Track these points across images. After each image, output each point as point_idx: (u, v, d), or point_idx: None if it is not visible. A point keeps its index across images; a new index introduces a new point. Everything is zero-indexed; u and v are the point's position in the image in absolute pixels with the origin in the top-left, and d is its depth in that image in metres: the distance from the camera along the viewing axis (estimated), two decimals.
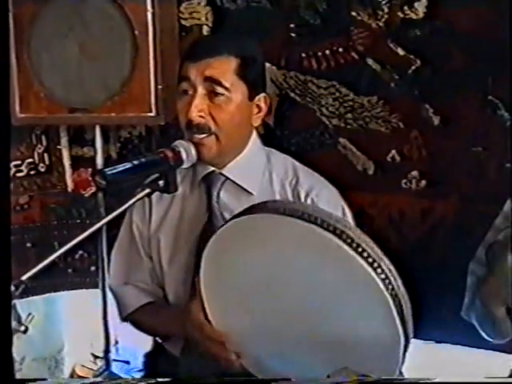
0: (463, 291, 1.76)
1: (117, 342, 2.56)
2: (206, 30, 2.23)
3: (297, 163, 1.81)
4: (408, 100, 2.05)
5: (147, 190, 1.50)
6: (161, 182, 1.51)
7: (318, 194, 1.73)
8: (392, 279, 1.37)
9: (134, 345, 2.04)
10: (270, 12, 2.17)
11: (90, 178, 2.44)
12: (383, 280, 1.36)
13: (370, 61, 2.08)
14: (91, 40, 2.17)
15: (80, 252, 2.53)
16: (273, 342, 1.50)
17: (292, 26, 2.15)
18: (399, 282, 1.39)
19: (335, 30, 2.11)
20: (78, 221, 2.55)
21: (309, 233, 1.39)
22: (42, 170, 2.52)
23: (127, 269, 1.84)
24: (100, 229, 1.50)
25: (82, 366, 2.79)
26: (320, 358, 1.45)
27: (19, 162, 2.47)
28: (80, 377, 2.76)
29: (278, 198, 1.74)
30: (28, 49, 2.21)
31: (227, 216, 1.68)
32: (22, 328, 1.27)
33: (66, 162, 2.50)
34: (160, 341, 1.85)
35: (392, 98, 2.07)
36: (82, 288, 2.58)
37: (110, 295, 2.26)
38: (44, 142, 2.50)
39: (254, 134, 1.78)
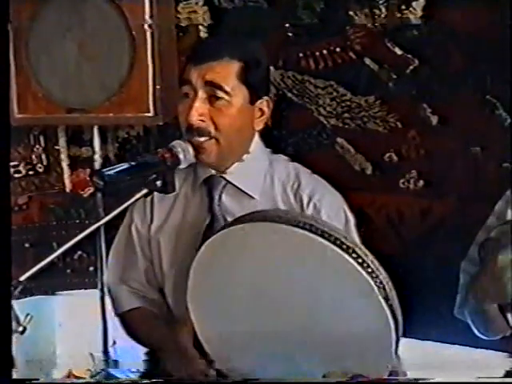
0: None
1: (115, 343, 2.56)
2: (203, 30, 2.23)
3: (299, 167, 1.79)
4: (406, 100, 2.06)
5: (145, 190, 1.50)
6: (158, 183, 1.51)
7: (320, 198, 1.72)
8: (374, 268, 1.40)
9: (132, 345, 2.04)
10: (267, 12, 2.17)
11: (88, 179, 2.43)
12: (370, 273, 1.39)
13: (367, 60, 2.08)
14: (89, 40, 2.17)
15: (79, 252, 2.53)
16: (266, 347, 1.51)
17: (289, 25, 2.15)
18: (384, 274, 1.41)
19: (333, 30, 2.11)
20: (77, 221, 2.55)
21: (298, 238, 1.41)
22: (40, 170, 2.52)
23: (123, 268, 1.84)
24: (99, 229, 1.50)
25: (80, 366, 2.78)
26: (313, 360, 1.46)
27: (17, 163, 2.46)
28: (77, 377, 2.75)
29: (279, 202, 1.73)
30: (26, 49, 2.21)
31: (229, 219, 1.68)
32: (20, 329, 1.27)
33: (64, 163, 2.50)
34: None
35: (390, 98, 2.08)
36: (80, 288, 2.58)
37: (108, 296, 2.27)
38: (42, 143, 2.50)
39: (257, 137, 1.77)
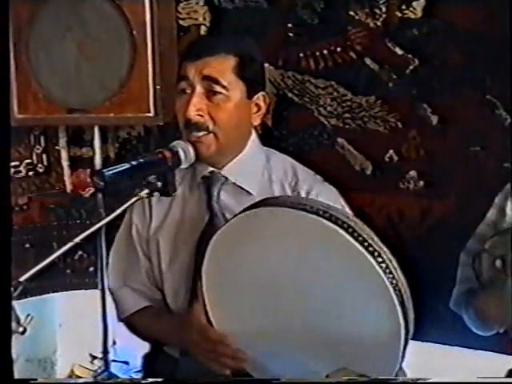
0: None
1: (115, 343, 2.56)
2: (203, 30, 2.23)
3: (296, 163, 1.81)
4: (406, 100, 2.05)
5: (146, 191, 1.50)
6: (159, 183, 1.51)
7: (317, 194, 1.73)
8: (392, 269, 1.38)
9: (133, 345, 2.04)
10: (267, 11, 2.17)
11: (89, 179, 2.43)
12: (384, 269, 1.37)
13: (367, 60, 2.08)
14: (89, 40, 2.17)
15: (79, 253, 2.53)
16: (276, 341, 1.50)
17: (290, 25, 2.15)
18: (399, 271, 1.39)
19: (333, 30, 2.11)
20: (78, 221, 2.54)
21: (312, 224, 1.40)
22: (41, 170, 2.52)
23: (125, 270, 1.84)
24: (99, 229, 1.50)
25: (81, 366, 2.79)
26: (321, 356, 1.45)
27: (17, 163, 2.47)
28: (78, 377, 2.76)
29: None
30: (26, 49, 2.21)
31: (228, 216, 1.68)
32: (21, 329, 1.27)
33: (65, 163, 2.50)
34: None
35: (390, 98, 2.07)
36: (80, 289, 2.58)
37: (108, 296, 2.26)
38: (42, 143, 2.50)
39: (254, 134, 1.78)
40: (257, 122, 1.75)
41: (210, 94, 1.66)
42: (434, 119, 2.03)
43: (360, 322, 1.41)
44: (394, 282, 1.37)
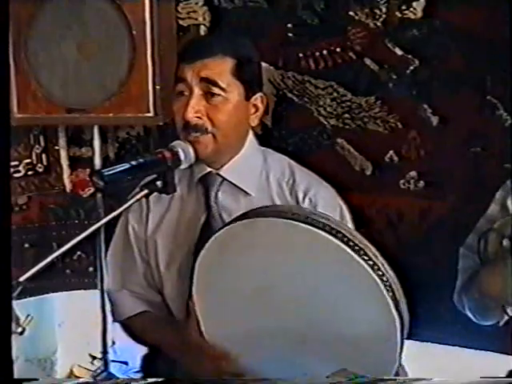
0: None
1: (114, 343, 2.55)
2: (203, 30, 2.23)
3: (293, 163, 1.81)
4: (406, 100, 2.05)
5: (145, 191, 1.50)
6: (159, 183, 1.51)
7: (315, 193, 1.73)
8: (383, 270, 1.39)
9: (132, 346, 2.04)
10: (267, 12, 2.17)
11: (88, 179, 2.43)
12: (376, 270, 1.38)
13: (367, 61, 2.07)
14: (89, 40, 2.16)
15: (78, 253, 2.53)
16: (270, 346, 1.50)
17: (289, 25, 2.15)
18: (390, 272, 1.40)
19: (333, 30, 2.11)
20: (77, 221, 2.54)
21: (302, 233, 1.40)
22: (40, 170, 2.51)
23: (122, 272, 1.84)
24: (98, 229, 1.50)
25: (80, 366, 2.79)
26: (319, 359, 1.45)
27: (17, 163, 2.46)
28: (78, 377, 2.76)
29: (275, 198, 1.74)
30: (25, 49, 2.20)
31: (225, 217, 1.68)
32: (20, 329, 1.27)
33: (64, 163, 2.49)
34: None
35: (390, 98, 2.07)
36: (79, 289, 2.58)
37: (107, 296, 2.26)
38: (42, 143, 2.50)
39: (251, 135, 1.78)
40: (255, 122, 1.75)
41: (208, 95, 1.65)
42: (434, 120, 2.02)
43: (355, 324, 1.42)
44: (388, 283, 1.38)
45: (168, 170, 1.54)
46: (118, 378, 2.48)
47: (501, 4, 1.89)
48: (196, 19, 2.24)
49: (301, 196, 1.73)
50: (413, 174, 2.07)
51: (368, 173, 2.12)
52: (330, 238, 1.39)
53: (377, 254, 1.40)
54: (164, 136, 2.29)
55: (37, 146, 2.49)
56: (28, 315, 1.32)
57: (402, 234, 2.10)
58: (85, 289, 2.57)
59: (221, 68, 1.66)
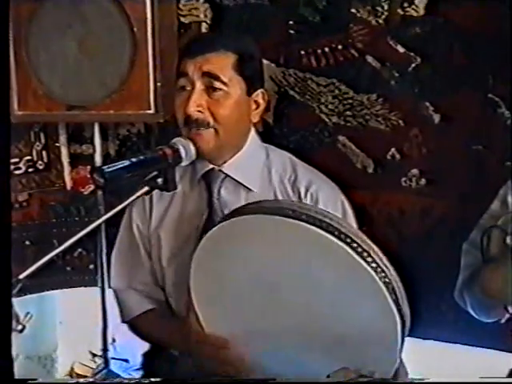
0: None
1: (114, 340, 2.56)
2: (204, 27, 2.23)
3: (295, 159, 1.80)
4: (408, 98, 2.05)
5: (146, 188, 1.49)
6: (159, 180, 1.50)
7: (317, 189, 1.73)
8: (383, 267, 1.38)
9: (133, 343, 2.03)
10: (268, 9, 2.16)
11: (89, 176, 2.43)
12: (375, 268, 1.36)
13: (369, 58, 2.07)
14: (90, 37, 2.16)
15: (79, 250, 2.53)
16: (270, 343, 1.49)
17: (291, 23, 2.14)
18: (391, 269, 1.39)
19: (334, 28, 2.10)
20: (77, 218, 2.54)
21: (299, 229, 1.39)
22: (41, 167, 2.51)
23: (129, 270, 1.83)
24: (99, 227, 1.49)
25: (81, 364, 2.79)
26: (319, 357, 1.45)
27: (17, 160, 2.46)
28: (79, 375, 2.76)
29: (277, 194, 1.73)
30: (26, 46, 2.20)
31: (227, 213, 1.67)
32: (20, 327, 1.26)
33: (65, 160, 2.49)
34: None
35: (392, 96, 2.07)
36: (80, 286, 2.58)
37: (108, 293, 2.26)
38: (42, 140, 2.50)
39: (253, 131, 1.77)
40: (256, 119, 1.75)
41: (209, 90, 1.65)
42: (436, 117, 2.02)
43: (355, 322, 1.41)
44: (387, 280, 1.37)
45: (169, 167, 1.53)
46: (118, 376, 2.48)
47: (502, 2, 1.88)
48: (197, 16, 2.24)
49: (302, 192, 1.73)
50: (414, 171, 2.07)
51: (370, 170, 2.12)
52: (332, 238, 1.38)
53: (380, 254, 1.39)
54: (165, 133, 2.29)
55: (37, 143, 2.49)
56: (27, 313, 1.31)
57: (403, 231, 2.10)
58: (85, 286, 2.57)
59: (223, 63, 1.65)
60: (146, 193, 1.50)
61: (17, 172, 2.47)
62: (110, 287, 1.98)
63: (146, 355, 1.90)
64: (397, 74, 2.05)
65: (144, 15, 2.12)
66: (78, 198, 2.52)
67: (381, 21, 2.04)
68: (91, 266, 2.54)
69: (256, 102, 1.72)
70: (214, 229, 1.50)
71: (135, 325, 1.83)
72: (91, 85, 2.18)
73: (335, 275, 1.40)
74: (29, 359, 2.68)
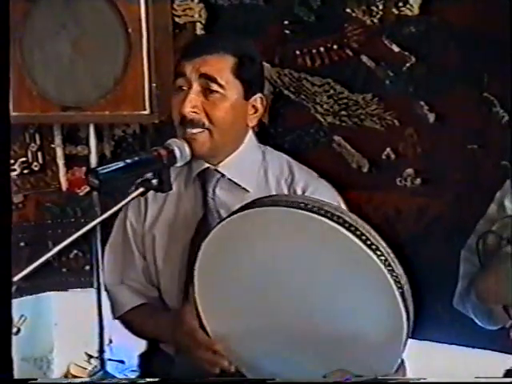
0: None
1: (111, 342, 2.55)
2: (199, 28, 2.23)
3: (292, 161, 1.80)
4: (403, 97, 2.05)
5: (141, 189, 1.49)
6: (154, 181, 1.50)
7: (313, 191, 1.72)
8: (391, 262, 1.36)
9: (129, 344, 2.03)
10: (263, 9, 2.16)
11: (84, 177, 2.42)
12: (383, 262, 1.35)
13: (364, 58, 2.07)
14: (84, 37, 2.16)
15: (74, 251, 2.52)
16: (271, 341, 1.48)
17: (286, 23, 2.14)
18: (398, 264, 1.38)
19: (329, 27, 2.11)
20: (73, 220, 2.54)
21: (306, 222, 1.38)
22: (36, 168, 2.51)
23: (121, 267, 1.83)
24: (94, 228, 1.49)
25: (77, 365, 2.78)
26: (319, 356, 1.44)
27: (12, 161, 2.45)
28: (74, 376, 2.75)
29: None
30: (20, 46, 2.20)
31: (223, 213, 1.67)
32: (14, 330, 1.26)
33: (60, 161, 2.49)
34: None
35: (387, 96, 2.07)
36: (76, 287, 2.57)
37: (104, 294, 2.25)
38: (37, 141, 2.49)
39: (250, 132, 1.77)
40: (253, 123, 1.74)
41: (206, 91, 1.65)
42: (431, 117, 2.02)
43: (361, 318, 1.39)
44: (394, 274, 1.36)
45: (163, 168, 1.53)
46: (114, 377, 2.48)
47: (498, 0, 1.88)
48: (192, 16, 2.24)
49: (299, 193, 1.73)
50: (410, 171, 2.07)
51: (365, 170, 2.12)
52: (343, 230, 1.35)
53: (388, 250, 1.38)
54: (160, 134, 2.29)
55: (32, 145, 2.49)
56: (22, 315, 1.31)
57: (398, 230, 2.10)
58: (81, 287, 2.57)
59: (221, 65, 1.65)
60: (141, 194, 1.49)
61: (12, 174, 2.46)
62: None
63: (142, 356, 1.90)
64: (392, 74, 2.05)
65: (138, 15, 2.12)
66: (74, 199, 2.51)
67: (376, 20, 2.04)
68: (87, 268, 2.53)
69: (254, 106, 1.71)
70: (220, 224, 1.49)
71: (127, 320, 1.83)
72: (86, 85, 2.18)
73: (344, 270, 1.38)
74: (24, 361, 2.67)
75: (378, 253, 1.35)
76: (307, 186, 1.73)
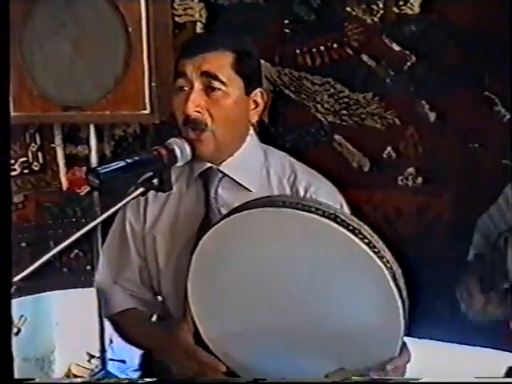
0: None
1: (111, 341, 2.55)
2: (199, 27, 2.22)
3: (293, 160, 1.80)
4: (404, 96, 2.05)
5: (141, 189, 1.48)
6: (155, 181, 1.49)
7: (315, 190, 1.72)
8: (389, 259, 1.37)
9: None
10: (263, 8, 2.16)
11: (85, 177, 2.42)
12: (381, 258, 1.36)
13: (364, 57, 2.07)
14: (84, 37, 2.15)
15: (75, 251, 2.52)
16: (270, 341, 1.48)
17: (286, 22, 2.14)
18: (394, 261, 1.39)
19: (330, 26, 2.10)
20: (73, 219, 2.53)
21: (304, 221, 1.38)
22: (36, 168, 2.50)
23: (116, 267, 1.82)
24: (95, 227, 1.49)
25: (78, 365, 2.78)
26: (319, 355, 1.44)
27: (13, 161, 2.45)
28: (76, 376, 2.75)
29: (276, 194, 1.73)
30: (20, 47, 2.19)
31: (224, 212, 1.66)
32: (15, 330, 1.26)
33: (61, 161, 2.48)
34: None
35: (387, 95, 2.07)
36: (77, 287, 2.57)
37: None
38: (38, 141, 2.49)
39: (251, 131, 1.77)
40: (255, 118, 1.74)
41: (208, 90, 1.64)
42: (432, 116, 2.02)
43: (359, 314, 1.40)
44: (392, 271, 1.37)
45: (164, 168, 1.52)
46: (115, 377, 2.48)
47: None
48: (192, 16, 2.24)
49: (302, 192, 1.72)
50: (411, 170, 2.06)
51: (366, 169, 2.12)
52: (340, 228, 1.36)
53: (384, 247, 1.39)
54: (161, 133, 2.29)
55: (33, 145, 2.49)
56: (22, 316, 1.31)
57: (399, 229, 2.10)
58: (82, 287, 2.56)
59: (221, 62, 1.65)
60: (142, 194, 1.49)
61: (12, 173, 2.46)
62: None
63: (143, 356, 1.90)
64: (392, 73, 2.05)
65: (138, 15, 2.11)
66: (74, 199, 2.51)
67: (376, 19, 2.04)
68: (88, 267, 2.53)
69: (255, 101, 1.71)
70: (216, 225, 1.48)
71: (117, 323, 1.82)
72: (86, 85, 2.17)
73: (343, 267, 1.38)
74: (26, 361, 2.67)
75: (375, 250, 1.36)
76: (309, 186, 1.73)
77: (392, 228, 2.10)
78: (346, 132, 2.13)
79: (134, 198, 1.49)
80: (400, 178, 2.08)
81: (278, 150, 1.84)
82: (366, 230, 1.39)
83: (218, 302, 1.52)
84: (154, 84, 2.13)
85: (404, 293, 1.39)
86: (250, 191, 1.71)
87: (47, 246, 2.47)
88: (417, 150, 2.06)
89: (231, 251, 1.47)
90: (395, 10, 2.01)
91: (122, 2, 2.11)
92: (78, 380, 2.67)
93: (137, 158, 1.50)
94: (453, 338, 2.04)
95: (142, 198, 1.75)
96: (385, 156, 2.09)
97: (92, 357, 2.71)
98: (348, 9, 2.06)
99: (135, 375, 2.12)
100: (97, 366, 2.60)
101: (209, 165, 1.72)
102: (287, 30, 2.14)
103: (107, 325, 2.36)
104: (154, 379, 1.58)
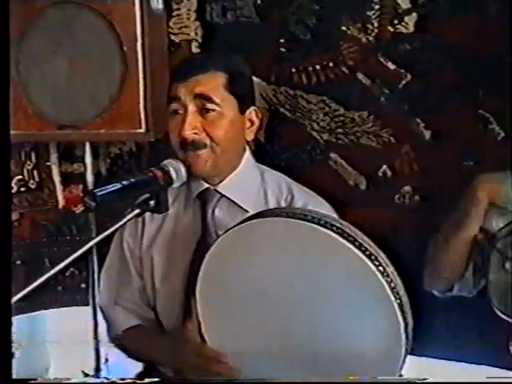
0: (456, 307, 1.76)
1: (107, 360, 2.54)
2: (195, 46, 2.23)
3: (290, 180, 1.80)
4: (399, 114, 2.05)
5: (137, 211, 1.48)
6: (151, 202, 1.50)
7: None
8: (390, 273, 1.38)
9: (125, 363, 2.02)
10: (259, 27, 2.17)
11: (82, 194, 2.42)
12: (382, 272, 1.36)
13: (360, 75, 2.08)
14: (80, 56, 2.15)
15: (70, 269, 2.51)
16: (274, 356, 1.48)
17: (282, 40, 2.15)
18: (396, 275, 1.39)
19: (325, 45, 2.11)
20: (69, 238, 2.53)
21: (308, 233, 1.39)
22: (33, 186, 2.50)
23: (117, 288, 1.83)
24: (91, 246, 1.48)
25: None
26: (321, 369, 1.44)
27: None
28: None
29: None
30: (16, 65, 2.19)
31: (221, 233, 1.66)
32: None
33: (56, 179, 2.48)
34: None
35: (383, 113, 2.07)
36: (72, 305, 2.56)
37: (100, 313, 2.24)
38: (33, 159, 2.49)
39: (248, 152, 1.78)
40: (250, 137, 1.75)
41: (203, 111, 1.65)
42: (427, 134, 2.03)
43: (360, 330, 1.40)
44: (393, 285, 1.37)
45: (160, 190, 1.52)
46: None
47: (492, 18, 1.89)
48: (188, 35, 2.24)
49: None
50: (407, 188, 2.07)
51: (362, 187, 2.12)
52: (342, 240, 1.37)
53: (387, 261, 1.39)
54: (156, 151, 2.29)
55: (28, 163, 2.48)
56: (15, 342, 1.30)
57: (396, 248, 2.09)
58: (77, 305, 2.55)
59: (214, 83, 1.66)
60: (138, 215, 1.49)
61: None
62: None
63: (139, 376, 1.89)
64: (387, 91, 2.06)
65: (134, 34, 2.11)
66: (70, 216, 2.50)
67: (371, 38, 2.05)
68: (83, 285, 2.52)
69: (250, 120, 1.72)
70: (221, 238, 1.49)
71: (123, 342, 1.82)
72: (82, 104, 2.17)
73: (346, 282, 1.38)
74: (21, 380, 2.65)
75: (376, 263, 1.37)
76: (306, 205, 1.73)
77: (389, 246, 2.10)
78: (341, 150, 2.13)
79: (129, 220, 1.49)
80: (397, 196, 2.08)
81: (274, 168, 1.85)
82: (371, 245, 1.40)
83: (223, 315, 1.52)
84: (149, 103, 2.12)
85: (409, 320, 1.38)
86: (247, 212, 1.71)
87: (42, 264, 2.46)
88: (412, 168, 2.06)
89: (234, 265, 1.48)
90: (390, 28, 2.02)
91: (118, 21, 2.12)
92: (77, 380, 2.65)
93: (133, 180, 1.50)
94: (451, 356, 2.03)
95: (139, 219, 1.75)
96: (380, 174, 2.09)
97: (87, 375, 2.69)
98: (343, 28, 2.07)
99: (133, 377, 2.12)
100: None
101: (206, 185, 1.72)
102: (283, 49, 2.15)
103: (103, 343, 2.35)
104: (154, 379, 1.57)
